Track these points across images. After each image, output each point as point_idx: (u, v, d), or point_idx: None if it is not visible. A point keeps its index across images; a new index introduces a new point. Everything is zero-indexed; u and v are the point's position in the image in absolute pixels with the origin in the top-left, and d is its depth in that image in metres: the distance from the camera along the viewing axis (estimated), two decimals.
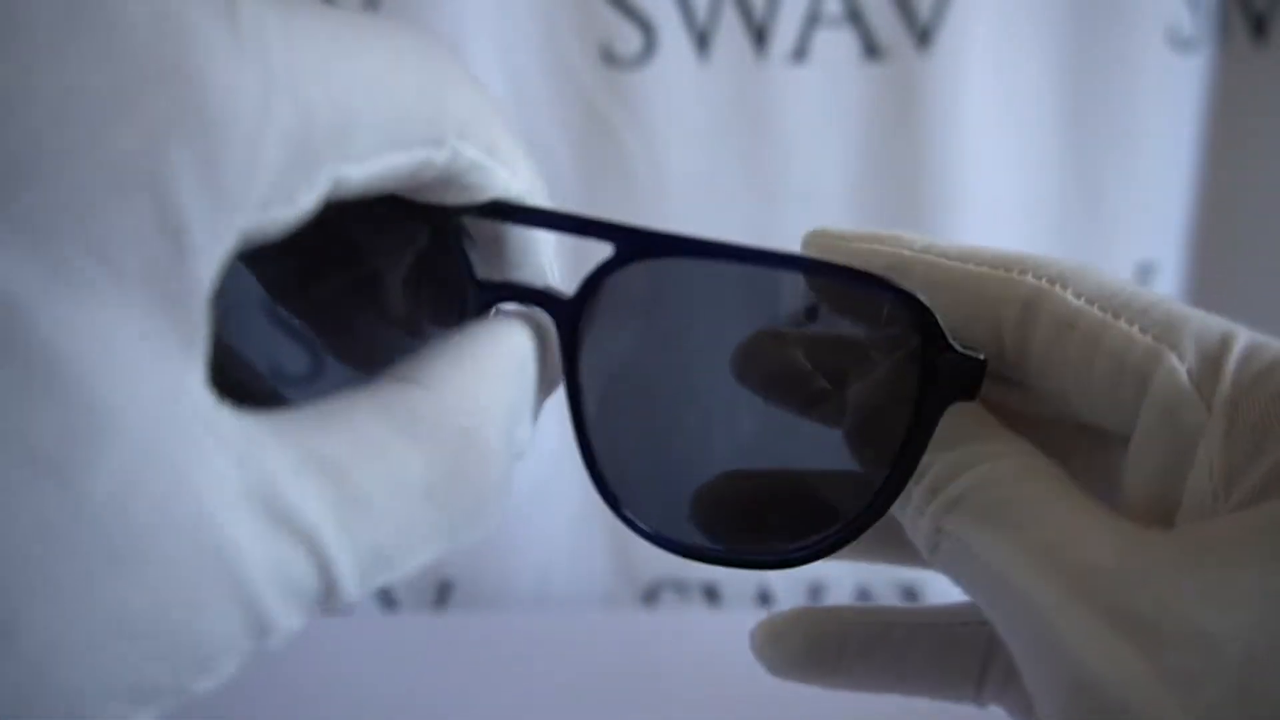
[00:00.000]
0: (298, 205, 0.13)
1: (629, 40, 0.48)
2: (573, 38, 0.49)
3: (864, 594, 0.55)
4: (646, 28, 0.48)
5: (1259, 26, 0.49)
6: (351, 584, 0.13)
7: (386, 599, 0.56)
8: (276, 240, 0.13)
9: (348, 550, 0.13)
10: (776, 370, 0.19)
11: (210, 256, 0.12)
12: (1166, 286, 0.51)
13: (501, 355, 0.16)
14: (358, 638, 0.52)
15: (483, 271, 0.18)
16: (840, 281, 0.18)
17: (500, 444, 0.15)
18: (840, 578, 0.55)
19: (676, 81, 0.49)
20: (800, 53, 0.48)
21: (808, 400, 0.20)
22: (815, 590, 0.55)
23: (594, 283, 0.18)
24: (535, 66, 0.49)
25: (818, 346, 0.19)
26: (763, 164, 0.50)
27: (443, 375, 0.15)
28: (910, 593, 0.55)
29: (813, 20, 0.48)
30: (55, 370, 0.11)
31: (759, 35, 0.48)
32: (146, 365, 0.11)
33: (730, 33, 0.48)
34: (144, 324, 0.11)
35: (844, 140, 0.49)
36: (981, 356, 0.18)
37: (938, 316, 0.18)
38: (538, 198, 0.18)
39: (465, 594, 0.56)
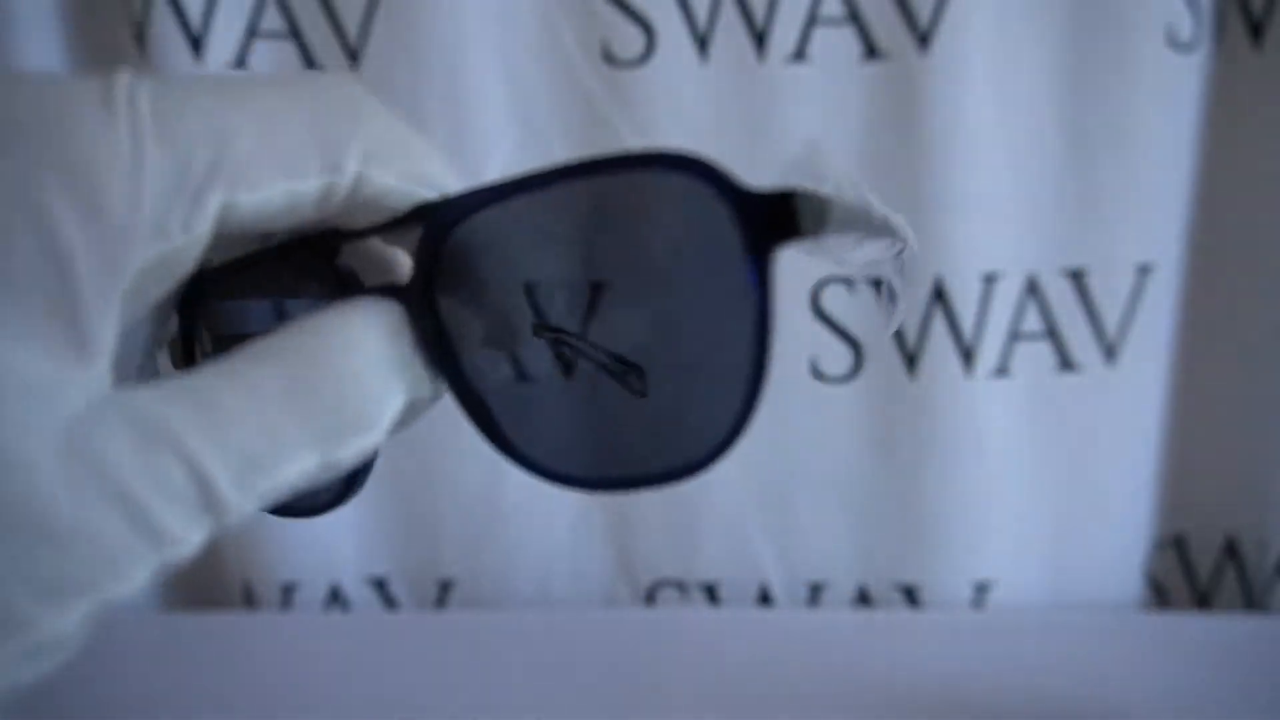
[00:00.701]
0: (194, 231, 0.16)
1: (629, 40, 0.48)
2: (573, 38, 0.49)
3: (864, 594, 0.55)
4: (646, 28, 0.48)
5: (1257, 28, 0.49)
6: (227, 486, 0.16)
7: (386, 599, 0.56)
8: (198, 264, 0.16)
9: (216, 456, 0.15)
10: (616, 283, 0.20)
11: (102, 278, 0.15)
12: (1166, 286, 0.51)
13: (349, 309, 0.18)
14: (358, 637, 0.52)
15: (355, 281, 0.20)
16: (613, 172, 0.19)
17: (358, 367, 0.17)
18: (841, 578, 0.55)
19: (676, 81, 0.49)
20: (800, 53, 0.48)
21: (650, 297, 0.20)
22: (815, 590, 0.55)
23: (422, 263, 0.18)
24: (535, 66, 0.49)
25: (633, 245, 0.19)
26: (763, 164, 0.49)
27: (296, 324, 0.17)
28: (910, 593, 0.55)
29: (813, 20, 0.48)
30: None
31: (759, 35, 0.48)
32: (34, 360, 0.14)
33: (730, 33, 0.48)
34: (36, 331, 0.14)
35: (844, 140, 0.49)
36: (791, 190, 0.18)
37: (715, 164, 0.18)
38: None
39: (465, 594, 0.56)
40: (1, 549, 0.14)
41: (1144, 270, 0.51)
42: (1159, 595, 0.57)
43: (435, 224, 0.18)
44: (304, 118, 0.17)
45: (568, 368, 0.20)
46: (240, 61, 0.49)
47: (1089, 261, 0.51)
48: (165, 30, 0.47)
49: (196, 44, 0.48)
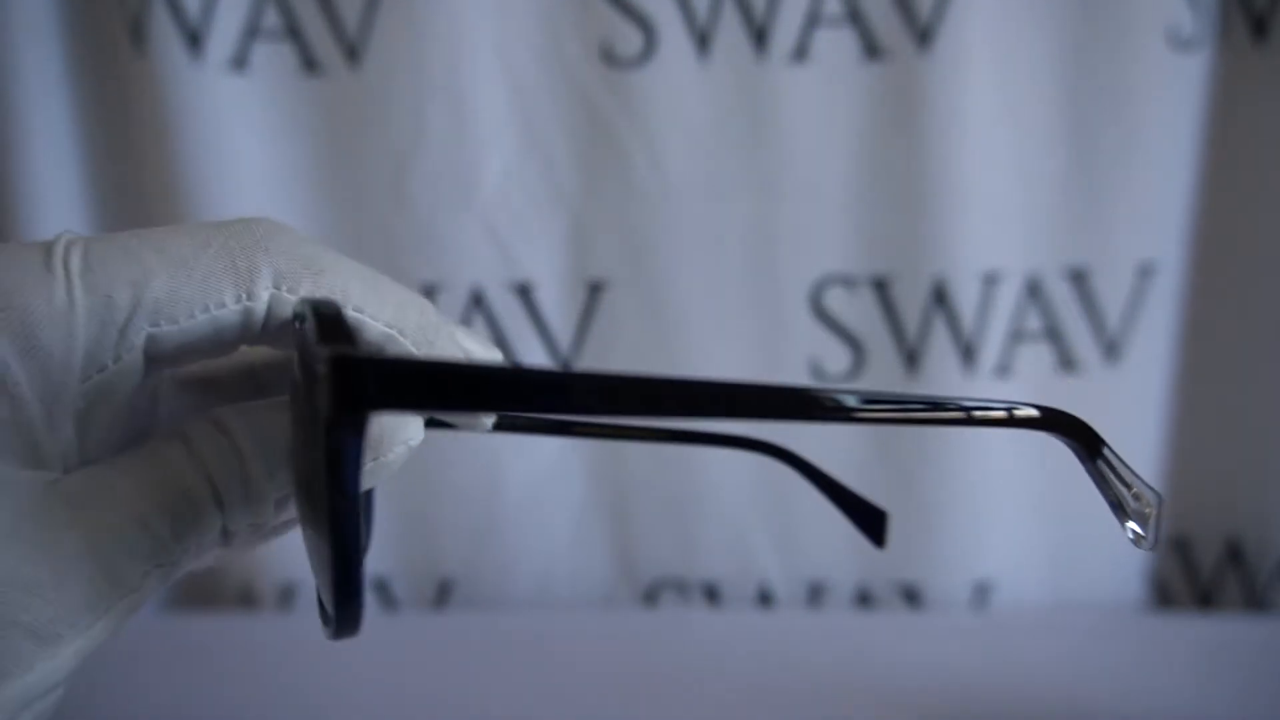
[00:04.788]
0: (125, 362, 0.19)
1: (629, 40, 0.48)
2: (573, 38, 0.49)
3: (864, 594, 0.55)
4: (646, 28, 0.48)
5: (1259, 26, 0.49)
6: (166, 533, 0.19)
7: (387, 598, 0.56)
8: (126, 391, 0.19)
9: (156, 512, 0.19)
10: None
11: (48, 403, 0.18)
12: (1166, 286, 0.51)
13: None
14: (358, 637, 0.52)
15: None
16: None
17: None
18: (841, 578, 0.55)
19: (676, 81, 0.49)
20: (800, 53, 0.48)
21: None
22: (815, 590, 0.55)
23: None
24: (535, 66, 0.49)
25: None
26: (763, 164, 0.50)
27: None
28: (910, 593, 0.55)
29: (813, 20, 0.48)
30: None
31: (759, 35, 0.48)
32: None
33: (730, 33, 0.48)
34: None
35: (844, 140, 0.49)
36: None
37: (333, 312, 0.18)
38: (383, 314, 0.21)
39: (465, 594, 0.56)
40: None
41: (1145, 270, 0.51)
42: (1161, 596, 0.57)
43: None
44: (217, 255, 0.19)
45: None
46: (240, 61, 0.49)
47: (1090, 261, 0.51)
48: (163, 29, 0.47)
49: (195, 42, 0.48)
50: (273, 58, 0.49)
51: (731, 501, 0.54)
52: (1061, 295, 0.51)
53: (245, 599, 0.56)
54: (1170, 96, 0.48)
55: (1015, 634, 0.50)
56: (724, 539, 0.55)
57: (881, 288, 0.51)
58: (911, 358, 0.52)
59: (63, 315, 0.18)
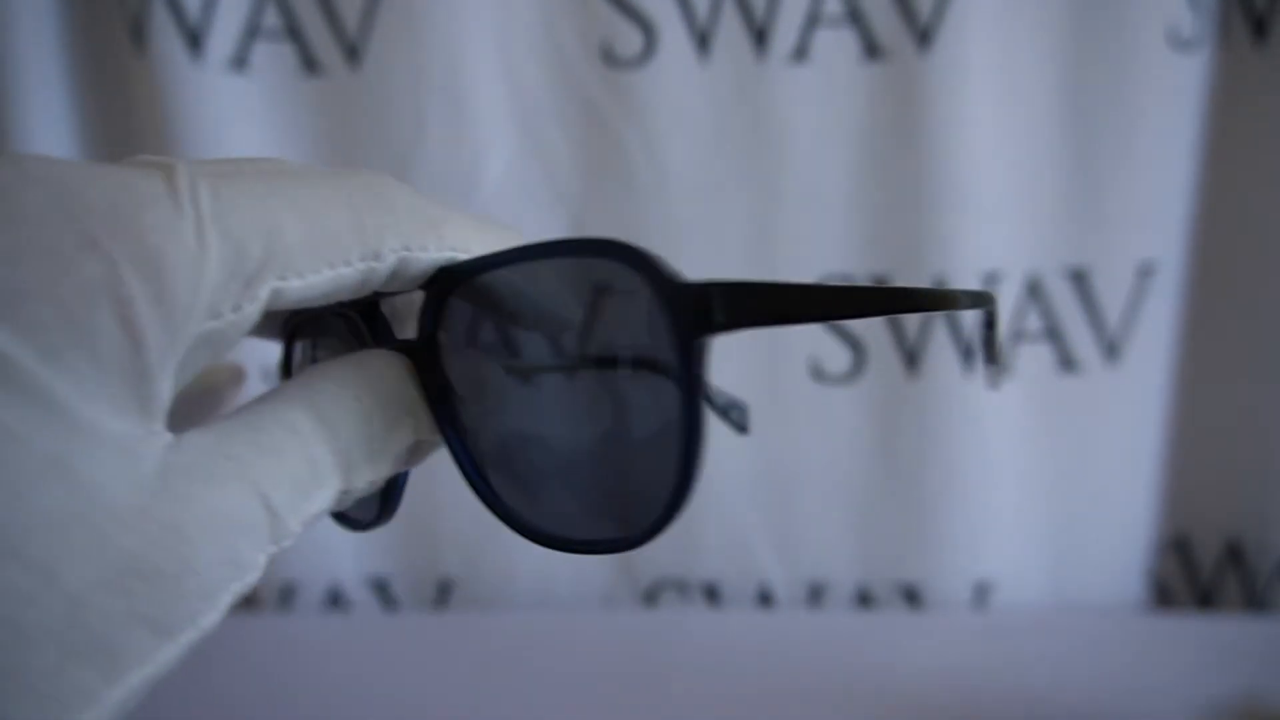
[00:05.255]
0: (244, 313, 0.18)
1: (629, 40, 0.48)
2: (573, 38, 0.49)
3: (864, 594, 0.55)
4: (646, 28, 0.48)
5: (1259, 26, 0.49)
6: (288, 515, 0.18)
7: (386, 599, 0.56)
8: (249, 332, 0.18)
9: (277, 489, 0.18)
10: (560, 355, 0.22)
11: (164, 350, 0.17)
12: (1167, 285, 0.51)
13: (362, 360, 0.20)
14: (358, 638, 0.52)
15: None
16: (571, 255, 0.20)
17: (369, 408, 0.20)
18: (841, 578, 0.55)
19: (676, 81, 0.49)
20: (800, 53, 0.48)
21: (597, 374, 0.22)
22: (816, 590, 0.55)
23: (423, 322, 0.21)
24: (535, 66, 0.49)
25: (583, 322, 0.21)
26: (763, 164, 0.50)
27: (319, 369, 0.20)
28: (910, 593, 0.55)
29: (813, 20, 0.48)
30: (51, 410, 0.16)
31: (759, 35, 0.48)
32: (114, 420, 0.16)
33: (730, 33, 0.48)
34: (115, 396, 0.16)
35: (844, 140, 0.49)
36: (710, 283, 0.19)
37: (649, 255, 0.19)
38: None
39: (465, 594, 0.56)
40: (120, 595, 0.16)
41: (1145, 270, 0.51)
42: (1161, 596, 0.57)
43: (434, 289, 0.21)
44: (345, 211, 0.19)
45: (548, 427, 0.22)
46: (240, 61, 0.49)
47: (1090, 261, 0.51)
48: (163, 27, 0.47)
49: (194, 41, 0.48)
50: (273, 58, 0.49)
51: (731, 501, 0.54)
52: (1061, 295, 0.51)
53: (245, 599, 0.56)
54: (1170, 96, 0.48)
55: (1015, 634, 0.50)
56: (724, 539, 0.55)
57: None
58: (911, 358, 0.52)
59: (193, 260, 0.17)
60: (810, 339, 0.52)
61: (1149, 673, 0.46)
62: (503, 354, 0.22)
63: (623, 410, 0.21)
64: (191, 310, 0.17)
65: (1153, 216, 0.50)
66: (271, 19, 0.48)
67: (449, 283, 0.20)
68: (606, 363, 0.21)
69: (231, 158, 0.19)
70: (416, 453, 0.21)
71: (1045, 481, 0.54)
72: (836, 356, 0.52)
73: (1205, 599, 0.57)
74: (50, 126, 0.50)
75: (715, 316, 0.18)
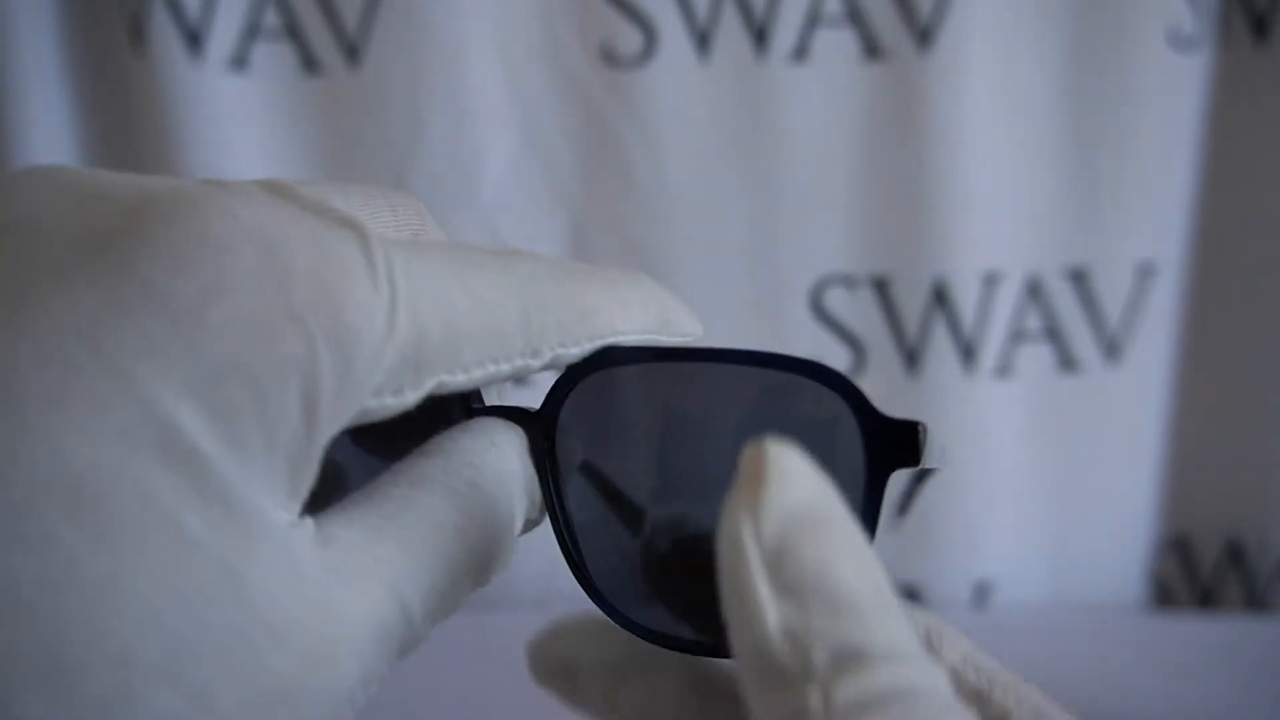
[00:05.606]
0: (404, 399, 0.16)
1: (629, 40, 0.48)
2: (573, 38, 0.49)
3: None
4: (646, 28, 0.48)
5: (1260, 26, 0.49)
6: (423, 621, 0.17)
7: None
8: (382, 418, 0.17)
9: (419, 596, 0.17)
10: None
11: (330, 428, 0.16)
12: (1167, 285, 0.51)
13: (493, 432, 0.19)
14: None
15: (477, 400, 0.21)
16: (772, 369, 0.20)
17: (509, 492, 0.19)
18: None
19: (676, 81, 0.49)
20: (800, 53, 0.48)
21: None
22: None
23: (555, 396, 0.20)
24: (535, 66, 0.49)
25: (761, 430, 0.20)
26: (763, 164, 0.50)
27: (448, 444, 0.19)
28: (911, 592, 0.55)
29: (813, 20, 0.48)
30: (231, 510, 0.14)
31: (759, 35, 0.48)
32: (271, 509, 0.15)
33: (730, 33, 0.48)
34: (274, 480, 0.15)
35: (844, 140, 0.49)
36: (916, 421, 0.20)
37: (863, 391, 0.19)
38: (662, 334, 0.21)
39: None
40: (262, 718, 0.14)
41: (1146, 269, 0.51)
42: (1161, 595, 0.57)
43: (580, 368, 0.20)
44: (516, 304, 0.18)
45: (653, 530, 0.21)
46: (240, 61, 0.49)
47: (1090, 261, 0.50)
48: (162, 27, 0.47)
49: (194, 42, 0.48)
50: (273, 57, 0.49)
51: None
52: (1062, 295, 0.51)
53: None
54: (1170, 96, 0.48)
55: (1015, 634, 0.50)
56: None
57: (882, 287, 0.51)
58: (911, 358, 0.51)
59: (380, 341, 0.16)
60: (809, 337, 0.52)
61: (1149, 673, 0.46)
62: (641, 443, 0.21)
63: None
64: (362, 390, 0.16)
65: (1153, 216, 0.50)
66: (271, 19, 0.48)
67: (598, 363, 0.20)
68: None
69: (410, 234, 0.18)
70: (522, 529, 0.20)
71: (1045, 481, 0.54)
72: (837, 356, 0.52)
73: (1205, 599, 0.56)
74: (49, 127, 0.50)
75: (912, 452, 0.19)
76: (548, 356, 0.18)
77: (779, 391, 0.20)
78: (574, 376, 0.20)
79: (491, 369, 0.18)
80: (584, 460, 0.21)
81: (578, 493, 0.21)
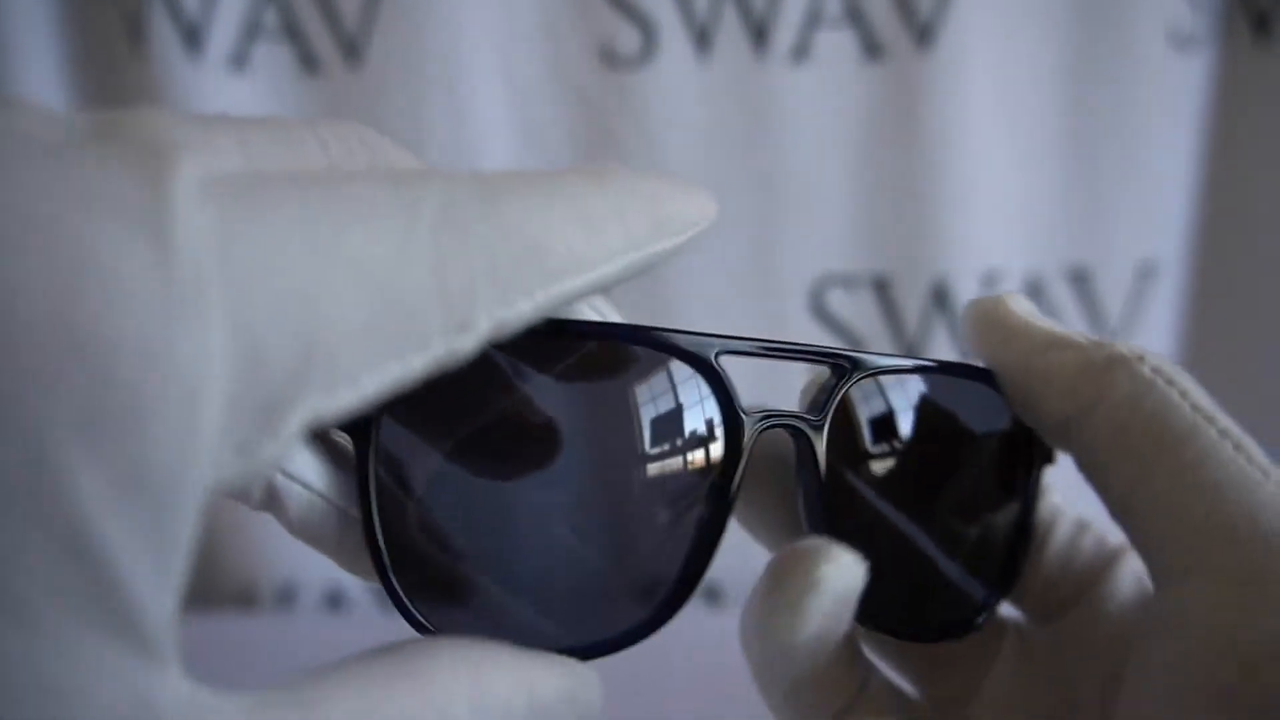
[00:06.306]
0: (258, 458, 0.12)
1: (629, 40, 0.48)
2: (573, 38, 0.49)
3: None
4: (646, 28, 0.48)
5: (1261, 24, 0.49)
6: None
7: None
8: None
9: None
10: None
11: (156, 580, 0.11)
12: (1168, 285, 0.51)
13: None
14: (358, 638, 0.52)
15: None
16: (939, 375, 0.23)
17: None
18: None
19: (676, 81, 0.49)
20: (800, 53, 0.48)
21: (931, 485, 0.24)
22: None
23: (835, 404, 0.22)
24: (535, 66, 0.49)
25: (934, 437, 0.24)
26: (763, 164, 0.50)
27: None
28: None
29: (813, 20, 0.48)
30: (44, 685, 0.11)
31: (759, 35, 0.48)
32: (108, 681, 0.11)
33: (730, 32, 0.48)
34: (102, 649, 0.11)
35: (844, 140, 0.49)
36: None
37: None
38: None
39: None
40: None
41: (1146, 270, 0.51)
42: None
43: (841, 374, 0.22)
44: (425, 253, 0.12)
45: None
46: (239, 60, 0.49)
47: (1090, 261, 0.50)
48: (161, 27, 0.47)
49: (193, 41, 0.48)
50: (272, 57, 0.49)
51: None
52: (1062, 295, 0.51)
53: (244, 599, 0.56)
54: (1171, 96, 0.48)
55: None
56: (725, 539, 0.55)
57: (881, 287, 0.51)
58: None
59: (182, 407, 0.11)
60: (809, 337, 0.52)
61: None
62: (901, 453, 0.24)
63: (969, 516, 0.24)
64: (178, 494, 0.11)
65: (1153, 216, 0.50)
66: (270, 18, 0.48)
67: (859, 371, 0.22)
68: (965, 476, 0.24)
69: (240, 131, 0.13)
70: None
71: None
72: None
73: None
74: None
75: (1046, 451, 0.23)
76: (484, 326, 0.13)
77: (946, 396, 0.23)
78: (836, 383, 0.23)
79: (396, 367, 0.13)
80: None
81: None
